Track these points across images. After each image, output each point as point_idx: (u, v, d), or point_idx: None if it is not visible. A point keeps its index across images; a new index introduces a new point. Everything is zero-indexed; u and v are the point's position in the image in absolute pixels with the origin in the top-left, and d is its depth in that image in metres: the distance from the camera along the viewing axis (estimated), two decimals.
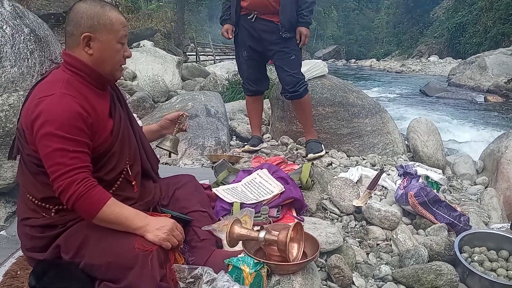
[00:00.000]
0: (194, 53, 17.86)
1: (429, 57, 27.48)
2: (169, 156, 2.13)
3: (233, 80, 6.66)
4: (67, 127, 1.23)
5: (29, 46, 2.08)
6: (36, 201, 1.36)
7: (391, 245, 2.02)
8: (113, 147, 1.41)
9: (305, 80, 3.03)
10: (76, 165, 1.23)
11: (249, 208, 1.81)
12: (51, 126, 1.22)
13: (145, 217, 1.34)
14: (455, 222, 2.11)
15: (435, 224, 2.12)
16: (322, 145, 3.10)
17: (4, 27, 2.01)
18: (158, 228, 1.31)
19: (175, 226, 1.37)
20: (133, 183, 1.49)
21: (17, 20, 2.10)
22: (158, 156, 1.81)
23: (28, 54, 2.07)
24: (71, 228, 1.34)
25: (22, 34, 2.07)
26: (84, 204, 1.23)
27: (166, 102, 4.55)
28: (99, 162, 1.37)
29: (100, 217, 1.26)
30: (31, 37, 2.12)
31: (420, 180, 2.41)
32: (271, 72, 4.37)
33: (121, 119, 1.48)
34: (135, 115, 1.77)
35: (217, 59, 18.56)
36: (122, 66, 1.46)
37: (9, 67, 1.96)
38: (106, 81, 1.43)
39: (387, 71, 23.67)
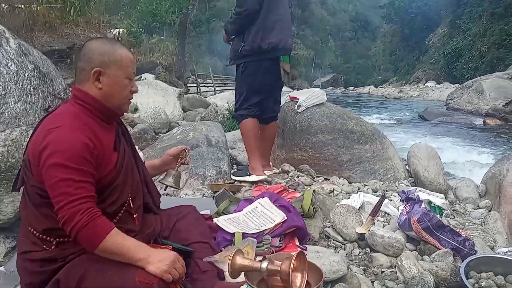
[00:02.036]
0: (195, 85, 18.13)
1: (426, 82, 27.81)
2: (165, 190, 2.15)
3: (233, 109, 6.73)
4: (74, 157, 1.26)
5: (33, 82, 2.13)
6: (37, 233, 1.36)
7: (396, 272, 1.98)
8: (117, 180, 1.43)
9: (237, 110, 3.22)
10: (81, 195, 1.24)
11: (251, 238, 1.80)
12: (59, 156, 1.24)
13: (147, 249, 1.34)
14: (460, 247, 2.08)
15: (439, 249, 2.09)
16: (248, 172, 3.18)
17: (9, 64, 2.06)
18: (160, 260, 1.30)
19: (176, 258, 1.36)
20: (134, 216, 1.50)
21: (22, 57, 2.16)
22: (159, 189, 1.81)
23: (32, 90, 2.11)
24: (71, 262, 1.33)
25: (26, 71, 2.13)
26: (88, 234, 1.23)
27: (167, 133, 4.58)
28: (102, 194, 1.38)
29: (102, 247, 1.25)
30: (35, 73, 2.17)
31: (423, 205, 2.39)
32: None
33: (125, 153, 1.51)
34: (136, 146, 1.79)
35: (217, 90, 18.81)
36: (130, 100, 1.51)
37: (12, 102, 2.00)
38: (113, 114, 1.48)
39: (386, 97, 23.92)
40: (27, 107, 2.06)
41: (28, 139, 1.41)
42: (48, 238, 1.35)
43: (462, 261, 1.96)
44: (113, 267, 1.29)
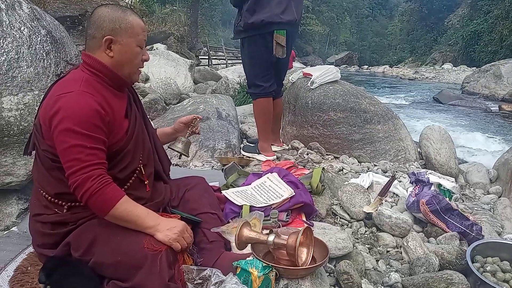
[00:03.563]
0: (207, 57, 17.99)
1: (443, 64, 27.27)
2: (179, 158, 2.15)
3: (245, 84, 6.69)
4: (85, 124, 1.25)
5: (45, 47, 2.12)
6: (49, 197, 1.38)
7: (401, 253, 1.99)
8: (127, 146, 1.43)
9: (251, 87, 3.12)
10: (92, 162, 1.25)
11: (259, 211, 1.80)
12: (70, 122, 1.24)
13: (156, 217, 1.35)
14: (467, 231, 2.07)
15: (446, 232, 2.09)
16: (257, 149, 3.17)
17: (22, 28, 2.04)
18: (169, 228, 1.32)
19: (185, 228, 1.38)
20: (145, 182, 1.51)
21: (35, 22, 2.14)
22: (169, 158, 1.82)
23: (44, 55, 2.10)
24: (82, 226, 1.35)
25: (39, 36, 2.11)
26: (98, 201, 1.24)
27: (178, 104, 4.58)
28: (113, 160, 1.38)
29: (112, 214, 1.27)
30: (48, 39, 2.15)
31: (432, 188, 2.37)
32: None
33: (136, 120, 1.50)
34: None
35: (229, 63, 18.65)
36: (140, 69, 1.49)
37: (25, 67, 2.00)
38: (123, 83, 1.46)
39: (400, 78, 23.54)
40: (40, 72, 2.06)
41: (39, 103, 1.41)
42: (60, 202, 1.37)
43: (469, 245, 1.95)
44: (122, 233, 1.30)
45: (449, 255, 1.86)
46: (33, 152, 1.45)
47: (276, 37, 2.85)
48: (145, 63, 1.50)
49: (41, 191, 1.39)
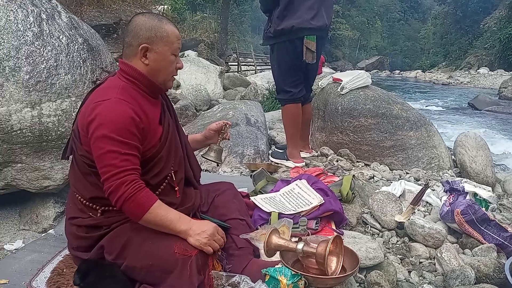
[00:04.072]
0: (236, 63, 18.15)
1: (478, 69, 26.37)
2: (217, 165, 2.17)
3: (273, 89, 6.69)
4: (121, 130, 1.29)
5: (82, 55, 2.20)
6: (84, 201, 1.42)
7: (434, 264, 1.92)
8: (161, 153, 1.46)
9: (280, 93, 3.13)
10: (126, 167, 1.28)
11: (287, 219, 1.79)
12: (106, 129, 1.28)
13: (188, 221, 1.37)
14: (506, 243, 1.98)
15: (483, 244, 2.01)
16: (286, 156, 3.16)
17: (61, 37, 2.13)
18: (200, 232, 1.34)
19: (216, 230, 1.40)
20: (176, 188, 1.53)
21: (72, 30, 2.23)
22: (199, 164, 1.84)
23: (81, 62, 2.18)
24: (115, 230, 1.39)
25: (77, 44, 2.19)
26: (132, 206, 1.27)
27: (208, 110, 4.64)
28: (146, 166, 1.42)
29: (146, 218, 1.30)
30: (84, 47, 2.23)
31: (468, 197, 2.29)
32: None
33: (169, 127, 1.54)
34: None
35: (258, 69, 18.74)
36: (174, 76, 1.53)
37: (63, 74, 2.08)
38: (158, 90, 1.50)
39: (433, 83, 22.95)
40: (77, 78, 2.13)
41: (77, 110, 1.46)
42: (94, 206, 1.42)
43: (507, 258, 1.87)
44: (154, 238, 1.33)
45: (486, 268, 1.78)
46: (71, 157, 1.51)
47: (306, 42, 2.84)
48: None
49: (77, 195, 1.44)
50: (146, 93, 1.45)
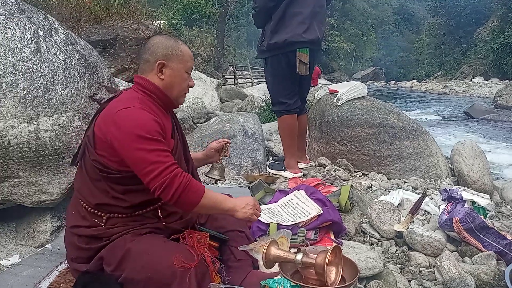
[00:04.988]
0: (233, 76, 18.26)
1: (473, 78, 26.62)
2: (216, 183, 2.21)
3: (270, 101, 6.73)
4: (153, 132, 1.34)
5: (79, 70, 2.21)
6: (89, 208, 1.43)
7: (434, 273, 1.92)
8: None
9: (275, 105, 3.16)
10: (172, 161, 1.34)
11: (286, 230, 1.78)
12: (140, 131, 1.31)
13: (230, 199, 1.49)
14: (505, 250, 1.98)
15: (482, 252, 2.00)
16: (283, 167, 3.17)
17: (58, 53, 2.15)
18: (244, 206, 1.48)
19: (254, 201, 1.53)
20: None
21: (70, 46, 2.25)
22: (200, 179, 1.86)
23: (78, 77, 2.19)
24: (115, 241, 1.39)
25: (74, 59, 2.21)
26: (190, 194, 1.34)
27: (205, 123, 4.65)
28: None
29: (202, 203, 1.37)
30: (81, 62, 2.25)
31: (466, 205, 2.29)
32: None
33: (178, 142, 1.57)
34: None
35: (254, 82, 18.85)
36: (185, 93, 1.60)
37: (60, 89, 2.09)
38: (171, 104, 1.56)
39: (429, 92, 23.13)
40: (74, 94, 2.14)
41: (74, 124, 1.46)
42: (99, 213, 1.43)
43: (507, 265, 1.86)
44: (153, 250, 1.33)
45: (486, 275, 1.78)
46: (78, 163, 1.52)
47: (298, 55, 2.88)
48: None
49: (82, 202, 1.45)
50: (161, 106, 1.51)
